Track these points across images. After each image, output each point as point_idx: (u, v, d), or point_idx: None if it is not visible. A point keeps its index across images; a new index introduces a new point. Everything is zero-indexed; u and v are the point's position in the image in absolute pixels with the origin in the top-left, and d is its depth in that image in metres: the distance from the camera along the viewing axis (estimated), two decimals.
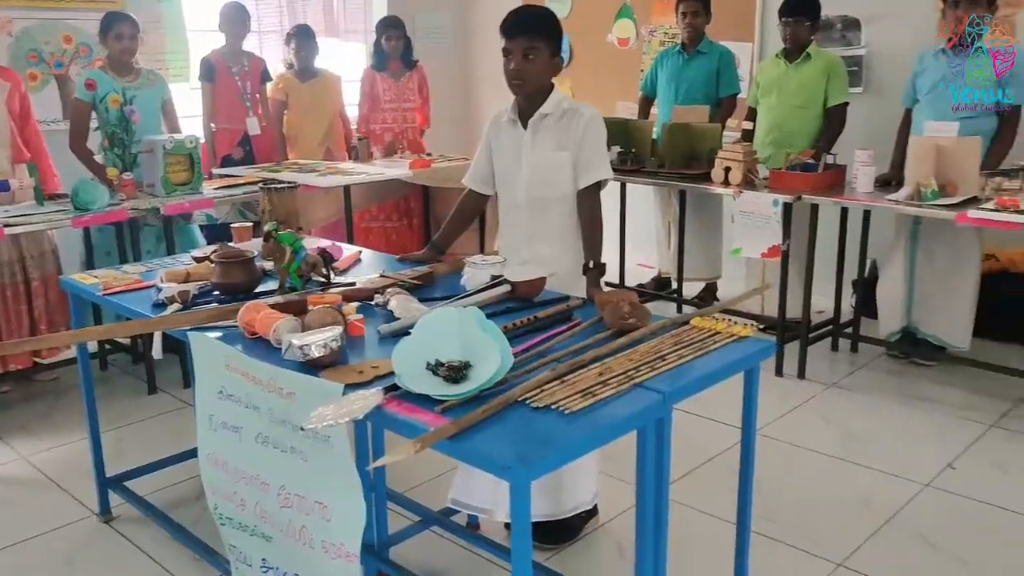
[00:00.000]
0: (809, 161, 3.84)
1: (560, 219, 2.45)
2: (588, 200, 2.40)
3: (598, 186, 2.41)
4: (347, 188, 4.44)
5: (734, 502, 2.03)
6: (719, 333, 1.91)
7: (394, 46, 5.22)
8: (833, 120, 4.22)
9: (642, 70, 5.74)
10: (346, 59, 6.26)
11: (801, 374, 3.89)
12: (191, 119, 5.34)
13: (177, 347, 3.80)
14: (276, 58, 5.51)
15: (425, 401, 1.60)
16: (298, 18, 5.91)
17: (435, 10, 6.68)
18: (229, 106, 4.86)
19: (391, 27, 5.25)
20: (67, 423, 3.59)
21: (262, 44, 5.80)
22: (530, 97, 2.38)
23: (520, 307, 2.17)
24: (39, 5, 4.84)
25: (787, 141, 4.19)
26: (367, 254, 2.85)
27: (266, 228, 2.34)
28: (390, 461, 1.36)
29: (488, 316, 2.03)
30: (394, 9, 6.07)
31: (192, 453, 3.06)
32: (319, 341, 1.78)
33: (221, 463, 2.02)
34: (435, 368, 1.68)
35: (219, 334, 2.06)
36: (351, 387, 1.67)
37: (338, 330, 1.82)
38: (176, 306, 2.25)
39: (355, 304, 2.17)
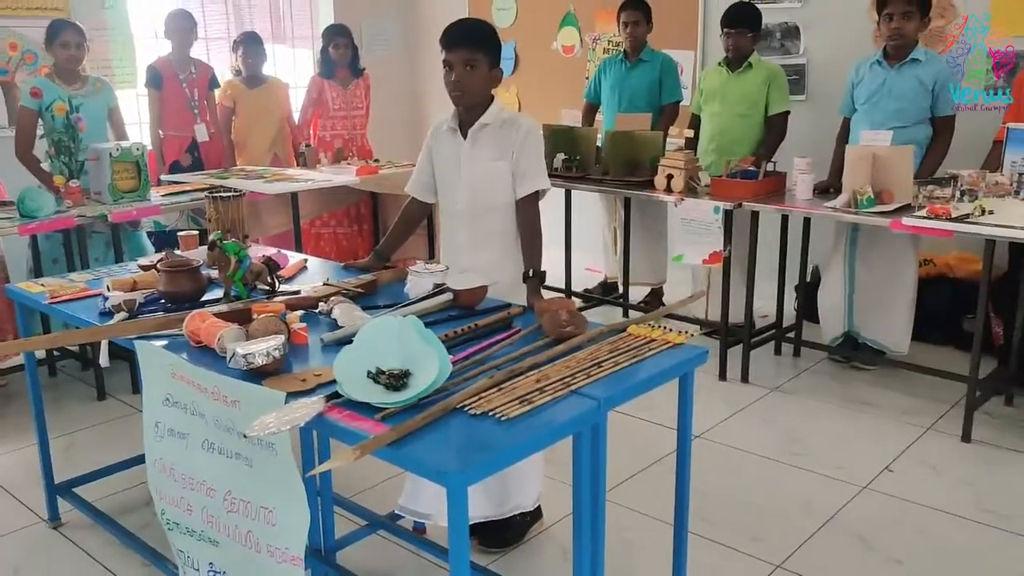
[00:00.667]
0: (750, 168, 3.96)
1: (500, 227, 2.51)
2: (527, 209, 2.47)
3: (536, 196, 2.48)
4: (295, 195, 4.45)
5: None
6: (654, 341, 1.99)
7: (341, 54, 5.24)
8: (774, 128, 4.35)
9: (587, 77, 5.84)
10: (294, 65, 6.26)
11: (744, 378, 4.01)
12: (139, 126, 5.31)
13: (127, 354, 3.75)
14: (223, 65, 5.50)
15: (366, 409, 1.65)
16: (245, 25, 5.91)
17: (380, 17, 6.72)
18: (177, 113, 4.84)
19: (338, 35, 5.27)
20: (16, 429, 3.56)
21: (209, 51, 5.78)
22: (470, 108, 2.44)
23: (462, 315, 2.23)
24: None
25: (729, 149, 4.31)
26: (313, 262, 2.88)
27: (211, 237, 2.36)
28: (330, 467, 1.41)
29: (430, 324, 2.09)
30: (340, 17, 6.10)
31: (141, 459, 3.06)
32: (262, 350, 1.81)
33: (168, 469, 2.04)
34: (376, 376, 1.73)
35: (165, 342, 2.08)
36: (294, 395, 1.71)
37: (281, 339, 1.86)
38: (123, 315, 2.26)
39: (299, 312, 2.20)
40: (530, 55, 6.26)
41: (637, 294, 5.06)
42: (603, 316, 5.02)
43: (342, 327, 2.11)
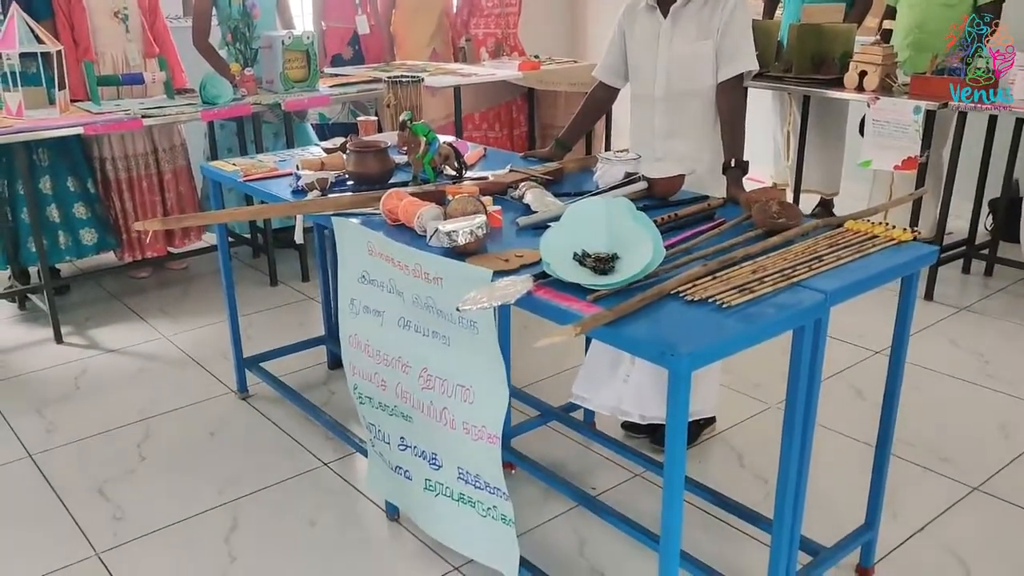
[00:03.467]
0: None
1: (699, 114, 2.35)
2: (730, 93, 2.30)
3: (741, 78, 2.30)
4: (458, 89, 4.39)
5: (860, 420, 1.99)
6: (877, 237, 1.82)
7: None
8: (986, 18, 3.88)
9: None
10: None
11: (929, 295, 3.72)
12: (300, 18, 5.35)
13: (296, 244, 3.93)
14: None
15: (575, 290, 1.59)
16: None
17: None
18: (338, 4, 4.83)
19: None
20: (200, 308, 3.78)
21: None
22: None
23: (657, 205, 2.12)
24: None
25: (929, 43, 3.90)
26: (492, 151, 2.82)
27: (402, 117, 2.33)
28: (551, 342, 1.36)
29: None
30: None
31: (315, 342, 3.19)
32: (465, 228, 1.77)
33: (363, 345, 2.07)
34: (582, 259, 1.66)
35: (360, 220, 2.09)
36: (499, 274, 1.67)
37: (482, 218, 1.81)
38: (316, 192, 2.28)
39: (490, 197, 2.16)
40: None
41: (805, 204, 4.77)
42: None
43: (536, 212, 2.05)
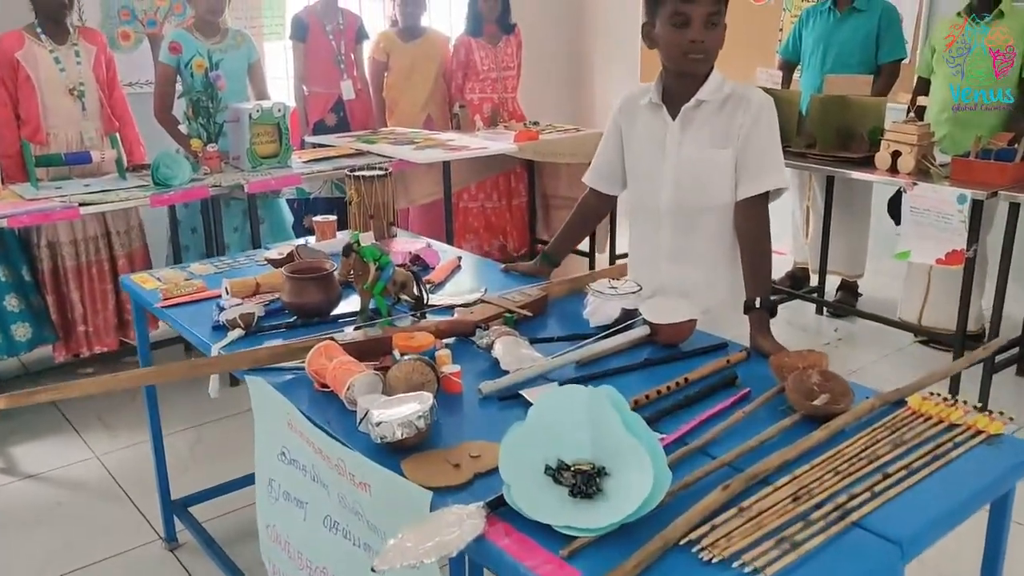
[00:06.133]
0: (1006, 147, 3.13)
1: (714, 234, 1.90)
2: (754, 214, 1.85)
3: (767, 197, 1.86)
4: (447, 164, 3.99)
5: None
6: (957, 427, 1.36)
7: (491, 7, 4.66)
8: None
9: (781, 29, 5.06)
10: (450, 16, 5.76)
11: (984, 405, 3.22)
12: (286, 80, 4.99)
13: None
14: (375, 15, 5.07)
15: (545, 533, 1.14)
16: None
17: None
18: (322, 68, 4.46)
19: None
20: (146, 417, 3.32)
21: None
22: (695, 77, 1.83)
23: (662, 357, 1.67)
24: None
25: (971, 120, 3.47)
26: (468, 261, 2.39)
27: (348, 239, 1.90)
28: None
29: (620, 370, 1.57)
30: None
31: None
32: (403, 418, 1.33)
33: (283, 542, 1.63)
34: (557, 473, 1.22)
35: (285, 377, 1.66)
36: (442, 492, 1.23)
37: (429, 402, 1.37)
38: (238, 332, 1.85)
39: (450, 346, 1.73)
40: None
41: (828, 286, 4.32)
42: (793, 312, 4.32)
43: (505, 370, 1.60)
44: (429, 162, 3.87)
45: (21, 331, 3.38)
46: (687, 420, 1.41)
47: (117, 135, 3.54)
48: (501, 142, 4.20)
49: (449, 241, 4.10)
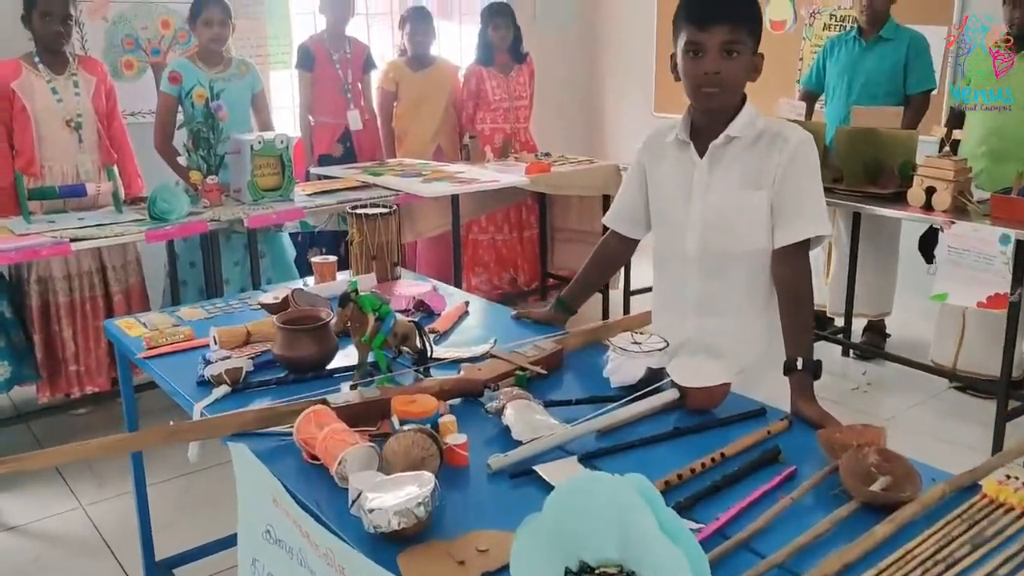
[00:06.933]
0: None
1: (747, 284, 1.73)
2: (792, 263, 1.67)
3: (807, 244, 1.69)
4: (455, 197, 3.84)
5: None
6: None
7: (502, 36, 4.55)
8: None
9: (801, 59, 4.92)
10: (460, 45, 5.64)
11: None
12: (292, 110, 4.88)
13: None
14: (383, 44, 4.96)
15: None
16: None
17: None
18: (329, 98, 4.33)
19: (498, 15, 4.57)
20: (121, 471, 3.16)
21: (369, 28, 5.25)
22: (718, 111, 1.67)
23: (692, 425, 1.49)
24: None
25: (1011, 152, 3.29)
26: (476, 305, 2.22)
27: (347, 287, 1.73)
28: None
29: (647, 442, 1.39)
30: None
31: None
32: (399, 506, 1.15)
33: None
34: None
35: (272, 442, 1.49)
36: None
37: (429, 485, 1.19)
38: (224, 389, 1.69)
39: (455, 408, 1.55)
40: None
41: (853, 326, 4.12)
42: (817, 355, 4.11)
43: (517, 439, 1.43)
44: (436, 196, 3.72)
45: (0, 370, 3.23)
46: (727, 505, 1.23)
47: (114, 167, 3.41)
48: (512, 174, 4.06)
49: (457, 276, 3.94)
